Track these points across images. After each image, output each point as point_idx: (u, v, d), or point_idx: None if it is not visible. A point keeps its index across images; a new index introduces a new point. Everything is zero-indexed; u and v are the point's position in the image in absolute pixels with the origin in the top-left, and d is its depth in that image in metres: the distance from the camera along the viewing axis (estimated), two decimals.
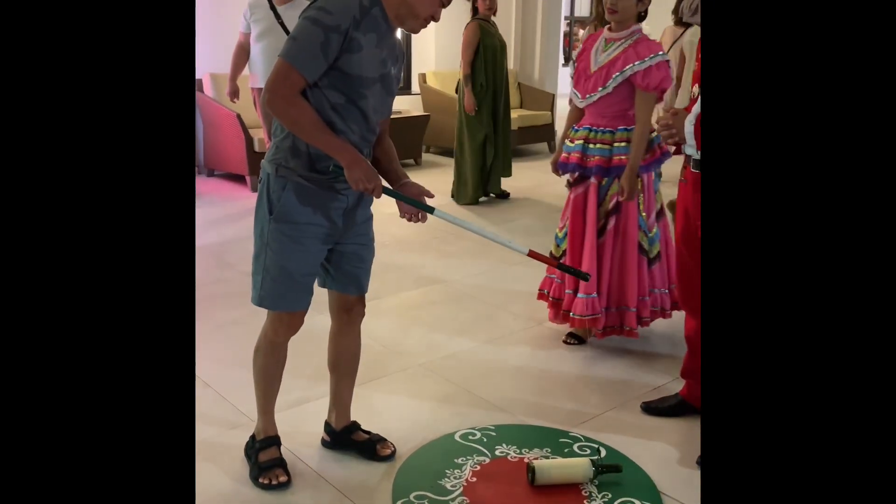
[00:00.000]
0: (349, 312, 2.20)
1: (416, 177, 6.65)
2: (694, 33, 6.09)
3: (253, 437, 2.23)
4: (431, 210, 2.02)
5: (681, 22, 6.75)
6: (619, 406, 2.64)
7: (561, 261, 3.01)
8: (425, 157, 7.56)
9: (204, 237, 4.56)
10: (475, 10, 5.46)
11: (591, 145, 2.95)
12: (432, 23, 1.96)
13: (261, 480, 2.12)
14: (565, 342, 3.17)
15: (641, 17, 2.96)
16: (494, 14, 5.54)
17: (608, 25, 3.00)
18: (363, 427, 2.34)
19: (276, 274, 2.00)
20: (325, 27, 1.81)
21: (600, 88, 2.90)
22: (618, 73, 2.86)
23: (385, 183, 2.02)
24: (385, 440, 2.31)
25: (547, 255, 2.87)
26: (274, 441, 2.21)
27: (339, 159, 1.88)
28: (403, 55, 2.09)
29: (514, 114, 7.65)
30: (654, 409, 2.58)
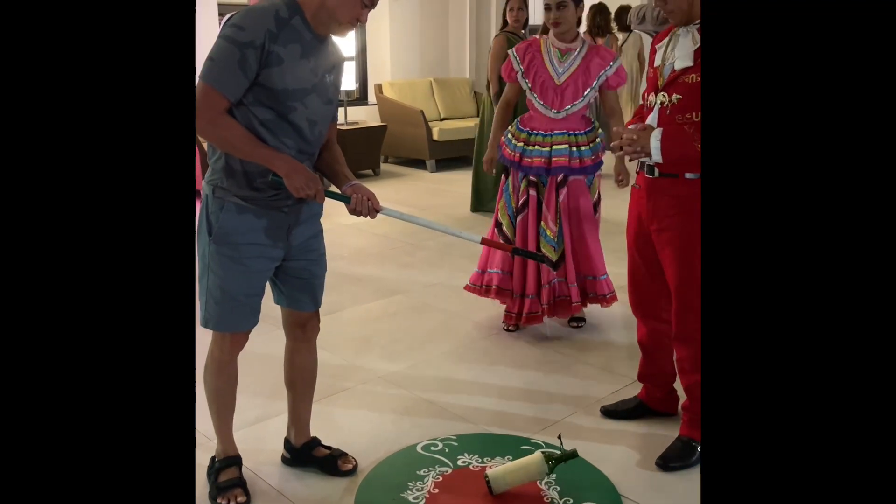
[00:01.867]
0: (304, 329, 2.18)
1: (375, 187, 6.62)
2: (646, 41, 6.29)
3: (213, 458, 2.20)
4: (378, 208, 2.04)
5: (626, 28, 7.03)
6: (579, 411, 2.66)
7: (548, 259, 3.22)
8: (384, 167, 7.55)
9: None
10: (505, 23, 5.31)
11: (574, 148, 3.16)
12: (388, 34, 1.97)
13: (219, 501, 2.09)
14: (573, 326, 3.42)
15: (579, 21, 3.22)
16: (524, 27, 5.42)
17: (548, 34, 3.21)
18: (324, 442, 2.32)
19: (219, 296, 1.97)
20: (240, 44, 1.77)
21: (580, 99, 3.13)
22: (594, 83, 3.13)
23: (334, 189, 2.01)
24: (346, 455, 2.29)
25: (545, 258, 3.10)
26: (234, 461, 2.17)
27: (275, 170, 1.85)
28: (342, 61, 2.06)
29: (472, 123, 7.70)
30: (613, 412, 2.61)
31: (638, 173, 2.34)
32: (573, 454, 2.16)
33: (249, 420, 2.54)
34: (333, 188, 2.02)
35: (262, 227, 1.95)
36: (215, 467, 2.16)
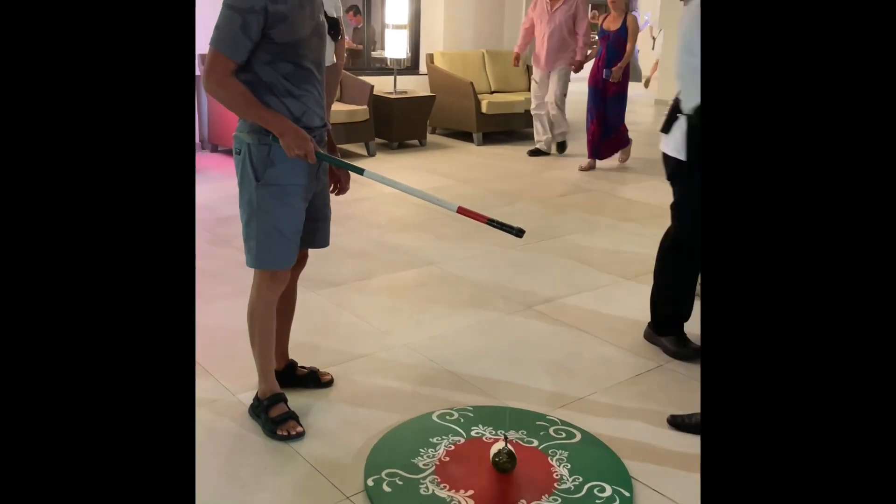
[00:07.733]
0: (299, 264, 2.38)
1: (420, 158, 6.64)
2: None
3: (257, 398, 2.33)
4: (362, 171, 2.19)
5: None
6: (600, 391, 2.65)
7: None
8: (430, 138, 7.54)
9: (201, 212, 4.58)
10: None
11: None
12: (443, 4, 2.10)
13: (279, 433, 2.24)
14: None
15: None
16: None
17: None
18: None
19: (276, 236, 2.15)
20: (240, 10, 1.96)
21: None
22: None
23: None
24: (323, 371, 2.56)
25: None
26: (280, 397, 2.32)
27: (270, 129, 2.04)
28: None
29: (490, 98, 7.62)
30: (681, 424, 2.41)
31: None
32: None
33: (252, 384, 2.45)
34: (321, 151, 2.15)
35: (301, 170, 2.14)
36: (264, 405, 2.30)
